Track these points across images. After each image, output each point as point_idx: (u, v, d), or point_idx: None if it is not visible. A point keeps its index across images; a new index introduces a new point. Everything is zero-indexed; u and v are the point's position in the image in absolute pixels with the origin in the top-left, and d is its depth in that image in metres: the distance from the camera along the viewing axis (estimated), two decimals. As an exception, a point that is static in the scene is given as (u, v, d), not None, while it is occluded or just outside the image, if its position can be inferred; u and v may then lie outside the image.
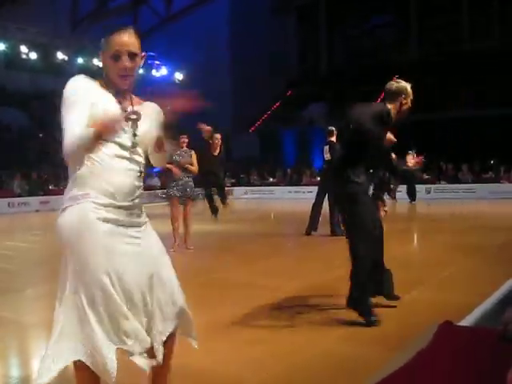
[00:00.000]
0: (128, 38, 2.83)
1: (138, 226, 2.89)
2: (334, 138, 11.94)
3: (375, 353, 4.38)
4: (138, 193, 2.87)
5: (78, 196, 2.76)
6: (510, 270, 6.47)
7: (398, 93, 5.45)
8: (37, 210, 24.24)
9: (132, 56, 2.86)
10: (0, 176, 26.85)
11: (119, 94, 2.90)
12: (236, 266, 8.72)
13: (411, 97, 5.48)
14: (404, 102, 5.45)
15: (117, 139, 2.77)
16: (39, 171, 27.99)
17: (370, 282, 5.31)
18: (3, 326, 5.65)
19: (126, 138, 2.81)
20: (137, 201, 2.88)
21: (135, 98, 3.02)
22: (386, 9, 38.71)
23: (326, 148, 11.89)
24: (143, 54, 2.98)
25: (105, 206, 2.75)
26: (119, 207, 2.78)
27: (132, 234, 2.83)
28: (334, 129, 12.04)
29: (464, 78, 31.69)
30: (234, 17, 39.03)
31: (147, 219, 3.00)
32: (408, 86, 5.51)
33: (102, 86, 2.89)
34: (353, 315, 5.50)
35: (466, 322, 2.58)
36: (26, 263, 9.95)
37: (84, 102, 2.76)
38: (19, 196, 25.19)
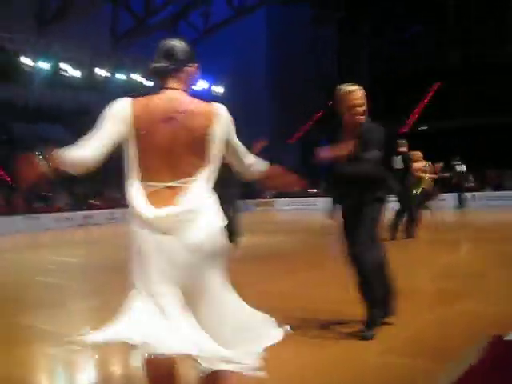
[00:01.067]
0: None
1: None
2: (405, 149, 12.38)
3: (419, 365, 4.28)
4: None
5: None
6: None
7: (339, 100, 5.28)
8: (80, 225, 24.60)
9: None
10: (47, 191, 27.30)
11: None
12: (279, 276, 8.68)
13: (352, 101, 5.18)
14: (349, 104, 5.17)
15: None
16: (83, 186, 28.42)
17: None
18: (47, 340, 5.69)
19: None
20: None
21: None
22: (423, 17, 38.41)
23: (397, 158, 12.14)
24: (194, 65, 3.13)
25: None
26: None
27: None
28: (405, 141, 12.56)
29: (507, 83, 31.19)
30: (273, 28, 39.12)
31: None
32: (347, 89, 5.28)
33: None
34: (396, 325, 5.42)
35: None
36: (70, 277, 10.05)
37: (103, 125, 2.96)
38: (64, 210, 25.61)
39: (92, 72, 29.96)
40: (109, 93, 34.29)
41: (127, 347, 2.87)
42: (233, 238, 10.94)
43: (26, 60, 27.41)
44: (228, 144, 3.03)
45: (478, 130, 29.01)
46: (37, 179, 2.84)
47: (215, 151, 2.92)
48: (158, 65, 3.04)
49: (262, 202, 32.07)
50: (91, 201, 27.58)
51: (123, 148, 2.92)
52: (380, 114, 29.66)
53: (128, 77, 30.56)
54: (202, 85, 33.13)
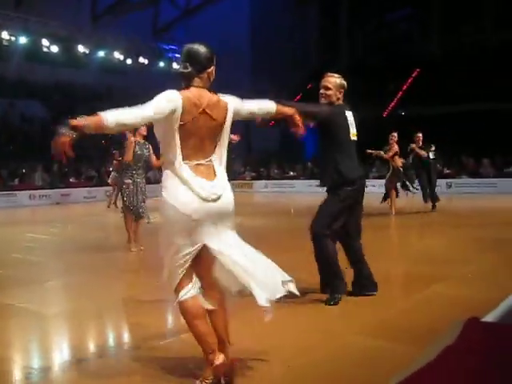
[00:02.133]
0: None
1: None
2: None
3: (400, 346, 4.34)
4: None
5: None
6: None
7: None
8: (57, 203, 24.44)
9: None
10: (21, 169, 27.08)
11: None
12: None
13: (321, 86, 5.74)
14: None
15: None
16: (60, 164, 28.18)
17: None
18: (25, 317, 5.69)
19: None
20: None
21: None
22: (406, 1, 38.45)
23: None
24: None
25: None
26: None
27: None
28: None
29: (487, 71, 31.36)
30: (255, 9, 38.94)
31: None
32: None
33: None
34: (375, 308, 5.49)
35: (491, 317, 2.54)
36: (46, 255, 10.01)
37: (155, 103, 3.48)
38: (40, 188, 25.38)
39: (72, 48, 29.60)
40: (88, 70, 34.05)
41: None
42: None
43: (4, 35, 27.03)
44: (240, 113, 3.83)
45: (456, 117, 29.16)
46: (69, 150, 3.52)
47: (226, 135, 3.72)
48: (185, 71, 3.65)
49: (240, 183, 32.09)
50: (70, 179, 27.41)
51: (159, 130, 3.59)
52: (361, 98, 29.68)
53: (108, 54, 30.25)
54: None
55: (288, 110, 4.20)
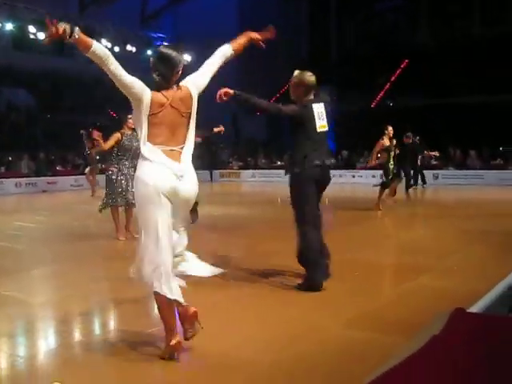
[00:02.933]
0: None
1: None
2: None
3: (386, 338, 4.35)
4: None
5: None
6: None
7: None
8: (44, 191, 24.31)
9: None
10: (8, 156, 26.90)
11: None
12: (240, 248, 8.71)
13: None
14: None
15: None
16: (47, 152, 28.03)
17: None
18: (10, 305, 5.67)
19: None
20: None
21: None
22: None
23: None
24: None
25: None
26: None
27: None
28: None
29: (475, 63, 31.44)
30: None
31: None
32: None
33: None
34: (360, 299, 5.51)
35: (476, 308, 2.56)
36: (32, 243, 9.97)
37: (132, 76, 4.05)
38: (27, 176, 25.23)
39: (59, 36, 29.31)
40: (75, 58, 33.76)
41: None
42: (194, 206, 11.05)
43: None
44: (203, 82, 4.30)
45: (443, 108, 29.27)
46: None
47: (193, 121, 4.16)
48: (156, 80, 4.11)
49: (228, 172, 32.06)
50: (57, 167, 27.27)
51: (134, 118, 4.15)
52: (350, 88, 29.62)
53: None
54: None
55: (244, 39, 4.71)
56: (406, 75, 34.23)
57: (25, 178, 24.91)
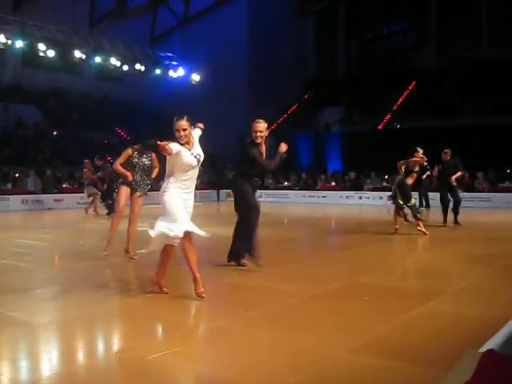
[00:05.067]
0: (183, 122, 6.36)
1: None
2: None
3: (398, 365, 4.22)
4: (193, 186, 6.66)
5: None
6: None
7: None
8: (50, 208, 24.28)
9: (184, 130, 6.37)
10: (15, 173, 26.90)
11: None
12: (248, 270, 8.60)
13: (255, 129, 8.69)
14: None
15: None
16: (54, 169, 28.03)
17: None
18: (13, 326, 5.56)
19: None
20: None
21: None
22: (403, 14, 38.63)
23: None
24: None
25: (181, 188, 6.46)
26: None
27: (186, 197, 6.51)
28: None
29: (481, 85, 31.45)
30: (253, 18, 38.78)
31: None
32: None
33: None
34: (370, 325, 5.38)
35: (493, 343, 2.47)
36: (36, 262, 9.87)
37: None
38: (33, 193, 25.20)
39: (68, 53, 29.42)
40: (84, 75, 33.92)
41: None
42: None
43: (1, 38, 26.86)
44: None
45: (451, 130, 29.19)
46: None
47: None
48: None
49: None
50: (64, 184, 27.23)
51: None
52: (356, 110, 29.57)
53: (105, 60, 30.09)
54: (180, 72, 32.72)
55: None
56: (413, 97, 34.26)
57: (31, 195, 24.87)
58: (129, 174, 9.54)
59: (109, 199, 18.57)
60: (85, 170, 20.48)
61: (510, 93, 29.77)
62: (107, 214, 18.54)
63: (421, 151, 13.22)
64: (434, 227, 14.57)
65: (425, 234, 12.76)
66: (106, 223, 14.09)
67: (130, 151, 9.70)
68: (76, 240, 13.03)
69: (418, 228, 12.90)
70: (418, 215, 13.13)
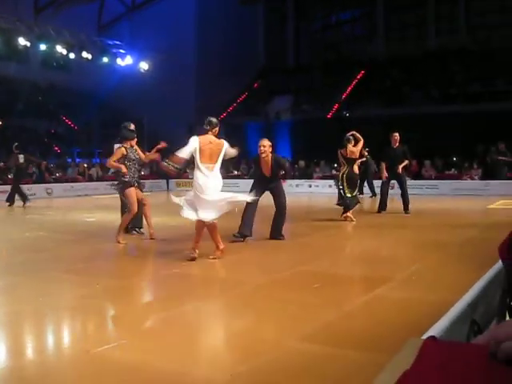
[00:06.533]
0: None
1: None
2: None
3: (345, 353, 4.26)
4: None
5: None
6: (472, 267, 6.45)
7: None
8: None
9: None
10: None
11: None
12: (199, 259, 8.58)
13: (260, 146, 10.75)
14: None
15: None
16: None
17: None
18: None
19: None
20: None
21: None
22: (352, 4, 38.90)
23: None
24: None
25: None
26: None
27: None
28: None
29: (429, 74, 31.98)
30: (201, 6, 38.59)
31: None
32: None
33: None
34: (320, 312, 5.43)
35: (437, 329, 2.50)
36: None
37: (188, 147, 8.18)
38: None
39: (12, 40, 28.74)
40: (29, 63, 33.20)
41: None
42: None
43: None
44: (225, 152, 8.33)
45: (398, 119, 29.59)
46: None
47: (222, 156, 8.28)
48: (206, 127, 8.28)
49: (184, 182, 31.83)
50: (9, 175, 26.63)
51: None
52: (306, 98, 29.60)
53: (51, 48, 29.48)
54: (127, 60, 32.28)
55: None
56: (362, 86, 34.61)
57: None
58: (123, 166, 10.22)
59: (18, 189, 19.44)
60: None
61: (457, 82, 30.34)
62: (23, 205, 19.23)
63: (353, 142, 13.29)
64: (384, 215, 14.80)
65: (352, 220, 13.18)
66: (55, 214, 13.83)
67: (123, 150, 10.45)
68: (22, 232, 12.76)
69: (344, 215, 13.18)
70: (349, 210, 13.27)
